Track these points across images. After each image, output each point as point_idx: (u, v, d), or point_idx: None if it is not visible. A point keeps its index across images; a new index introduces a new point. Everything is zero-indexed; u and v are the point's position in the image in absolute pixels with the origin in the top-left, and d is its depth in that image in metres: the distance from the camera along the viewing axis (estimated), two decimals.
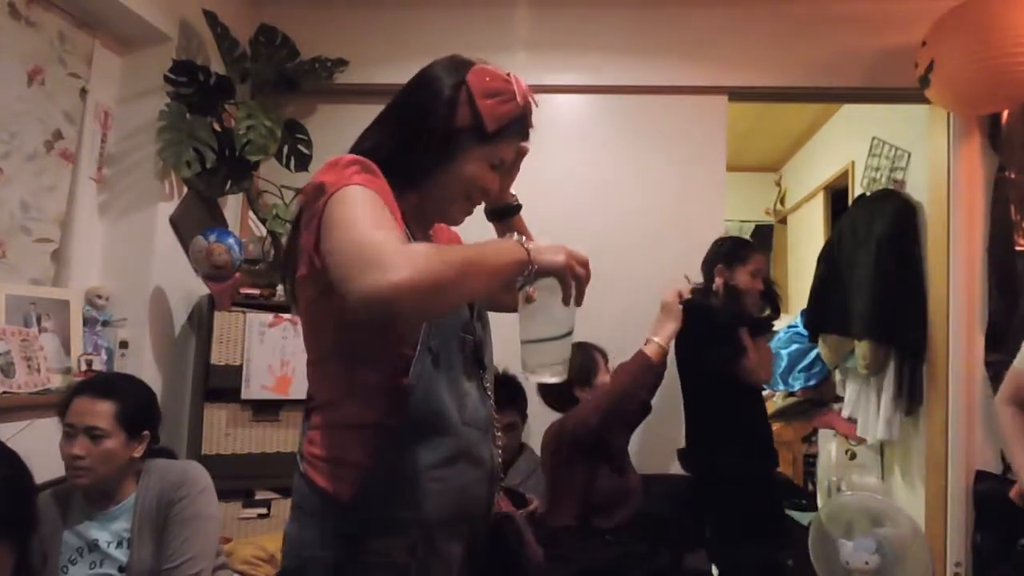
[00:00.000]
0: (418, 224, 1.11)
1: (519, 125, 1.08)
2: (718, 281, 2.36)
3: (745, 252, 2.40)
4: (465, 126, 1.03)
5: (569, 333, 1.03)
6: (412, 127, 1.04)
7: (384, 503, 0.95)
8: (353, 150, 1.07)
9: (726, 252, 2.42)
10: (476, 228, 1.20)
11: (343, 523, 0.96)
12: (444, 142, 1.03)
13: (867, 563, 2.07)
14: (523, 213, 1.29)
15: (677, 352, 2.34)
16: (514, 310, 1.32)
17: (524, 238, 0.97)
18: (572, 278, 0.96)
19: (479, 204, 1.14)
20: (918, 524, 2.24)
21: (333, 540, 0.96)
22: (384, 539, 0.96)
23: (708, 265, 2.44)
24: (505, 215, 1.24)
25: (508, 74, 1.06)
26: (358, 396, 0.98)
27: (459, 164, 1.05)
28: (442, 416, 0.99)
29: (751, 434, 2.35)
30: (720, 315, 2.31)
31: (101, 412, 1.58)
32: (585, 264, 0.98)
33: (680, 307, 2.18)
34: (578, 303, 0.99)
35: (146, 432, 1.66)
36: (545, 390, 2.15)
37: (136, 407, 1.65)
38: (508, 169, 1.13)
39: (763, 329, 2.41)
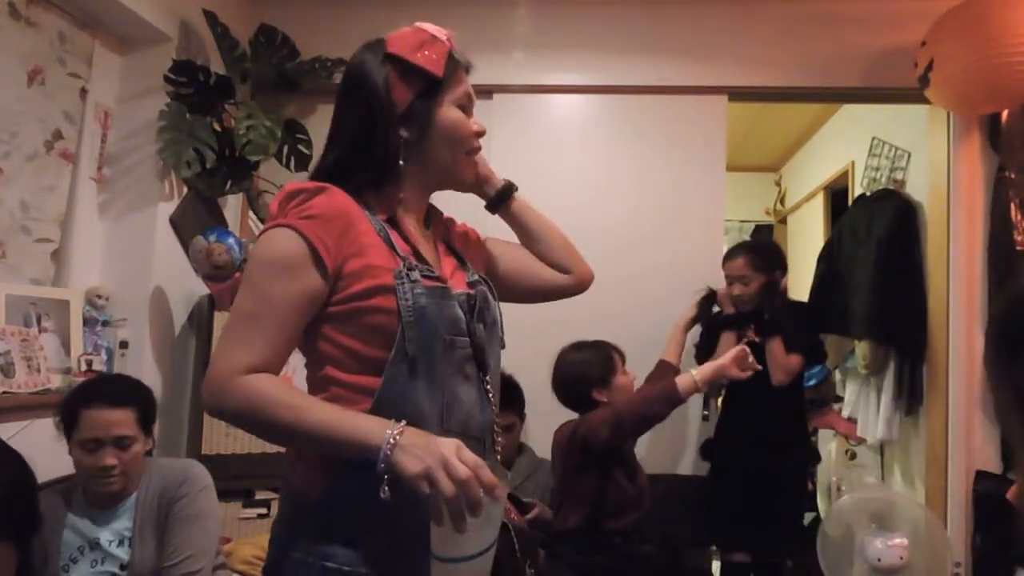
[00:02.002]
0: (420, 211, 1.10)
1: (455, 59, 1.07)
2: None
3: (723, 260, 2.56)
4: (420, 90, 1.03)
5: (470, 558, 0.84)
6: (370, 126, 1.02)
7: (350, 509, 0.93)
8: (324, 169, 1.05)
9: None
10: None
11: (311, 525, 0.95)
12: (413, 115, 1.02)
13: (901, 558, 2.02)
14: None
15: None
16: (532, 300, 1.30)
17: (402, 426, 0.86)
18: (434, 493, 0.80)
19: (479, 150, 1.12)
20: (932, 514, 2.23)
21: (302, 541, 0.95)
22: (347, 547, 0.93)
23: None
24: (503, 199, 1.22)
25: (413, 25, 1.07)
26: (338, 396, 0.97)
27: (438, 125, 1.04)
28: (419, 423, 0.93)
29: (756, 432, 2.43)
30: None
31: (125, 420, 1.59)
32: (464, 482, 0.80)
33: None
34: (456, 526, 0.80)
35: (153, 426, 1.69)
36: (561, 391, 2.15)
37: (148, 408, 1.68)
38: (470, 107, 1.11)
39: (769, 330, 2.43)
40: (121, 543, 1.61)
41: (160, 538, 1.60)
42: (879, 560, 2.01)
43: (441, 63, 1.03)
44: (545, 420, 2.28)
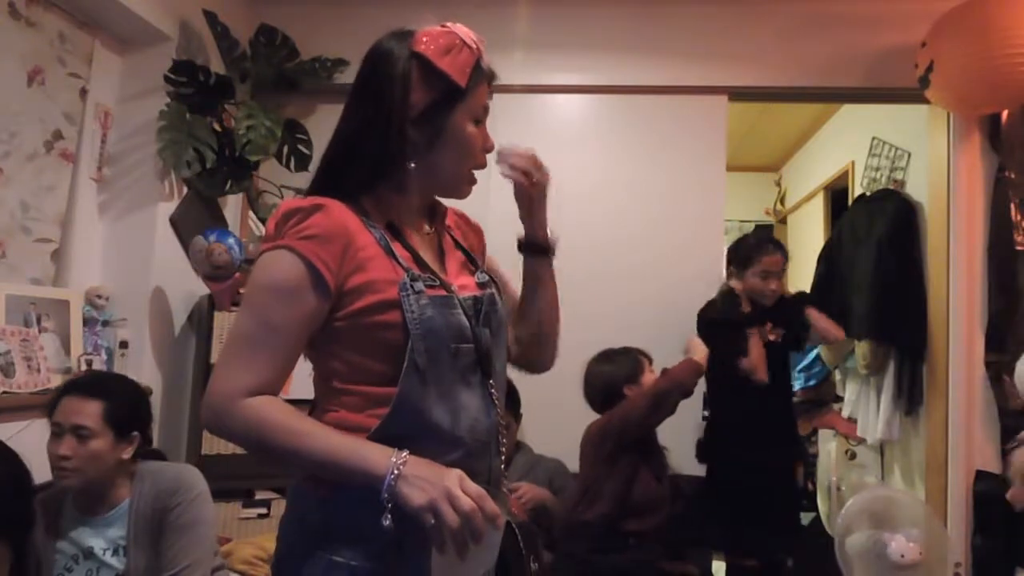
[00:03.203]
0: (420, 215, 1.09)
1: (481, 68, 1.04)
2: (722, 284, 2.51)
3: (753, 255, 2.47)
4: (438, 96, 1.01)
5: None
6: (378, 117, 1.00)
7: (356, 505, 0.92)
8: (326, 158, 1.05)
9: (737, 255, 2.52)
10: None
11: (318, 521, 0.96)
12: (427, 119, 1.01)
13: (921, 553, 2.04)
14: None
15: None
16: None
17: (405, 455, 0.86)
18: (438, 524, 0.82)
19: (484, 167, 1.09)
20: (932, 511, 2.25)
21: (309, 537, 0.96)
22: (354, 542, 0.94)
23: (727, 266, 2.57)
24: (544, 252, 1.16)
25: (444, 25, 1.04)
26: (348, 404, 0.98)
27: (449, 135, 1.02)
28: (430, 431, 0.95)
29: (747, 432, 2.42)
30: (704, 314, 2.46)
31: (88, 411, 1.54)
32: (468, 515, 0.81)
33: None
34: (459, 555, 0.82)
35: (135, 433, 1.61)
36: (593, 396, 2.21)
37: (125, 406, 1.60)
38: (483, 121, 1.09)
39: (797, 307, 2.47)
40: (116, 552, 1.57)
41: (155, 546, 1.56)
42: (902, 556, 2.02)
43: (466, 73, 1.01)
44: (544, 419, 2.28)
